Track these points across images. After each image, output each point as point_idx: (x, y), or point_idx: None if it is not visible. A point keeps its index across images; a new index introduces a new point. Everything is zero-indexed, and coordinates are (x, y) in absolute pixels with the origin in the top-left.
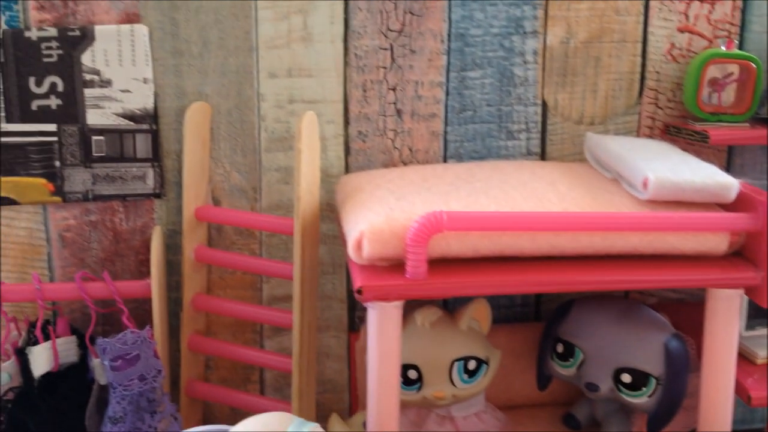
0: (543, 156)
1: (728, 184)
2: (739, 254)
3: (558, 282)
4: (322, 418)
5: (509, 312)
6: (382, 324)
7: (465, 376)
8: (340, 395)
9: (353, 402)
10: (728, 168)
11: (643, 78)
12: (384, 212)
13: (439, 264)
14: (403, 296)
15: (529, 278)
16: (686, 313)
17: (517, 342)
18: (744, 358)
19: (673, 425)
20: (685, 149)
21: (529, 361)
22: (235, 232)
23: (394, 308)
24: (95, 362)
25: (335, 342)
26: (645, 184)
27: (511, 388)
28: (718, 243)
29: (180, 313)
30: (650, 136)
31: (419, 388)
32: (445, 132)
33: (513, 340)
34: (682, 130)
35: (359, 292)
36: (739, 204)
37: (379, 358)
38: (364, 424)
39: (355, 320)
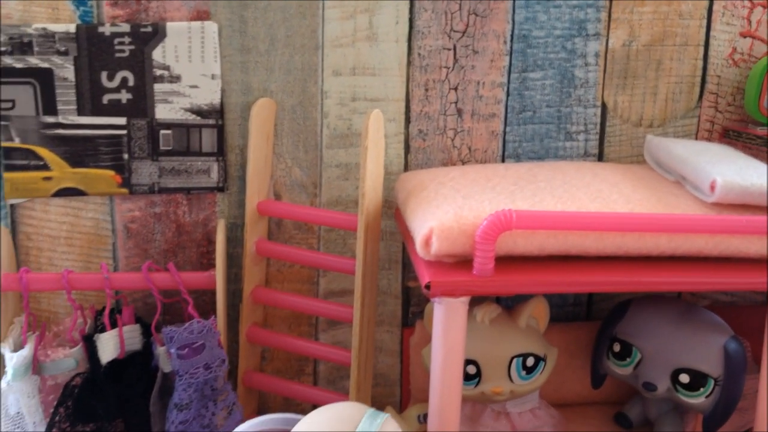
0: (600, 158)
1: None
2: None
3: (622, 282)
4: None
5: (561, 311)
6: (448, 319)
7: (523, 373)
8: (392, 389)
9: (404, 396)
10: None
11: (703, 82)
12: (453, 210)
13: (505, 261)
14: (470, 292)
15: (594, 278)
16: (738, 316)
17: (569, 341)
18: None
19: (727, 426)
20: (744, 154)
21: (581, 359)
22: (294, 227)
23: (461, 304)
24: (160, 350)
25: (389, 337)
26: (712, 187)
27: (563, 387)
28: None
29: (239, 305)
30: (709, 140)
31: (477, 384)
32: (504, 132)
33: (565, 338)
34: (741, 134)
35: (427, 287)
36: None
37: (443, 353)
38: (419, 418)
39: (409, 316)
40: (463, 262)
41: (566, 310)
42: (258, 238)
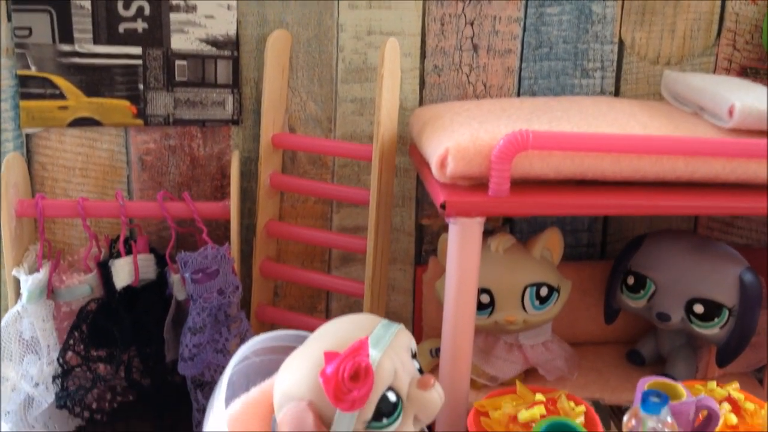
0: (617, 95)
1: None
2: None
3: (638, 205)
4: None
5: (575, 252)
6: (463, 240)
7: (537, 303)
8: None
9: (417, 334)
10: None
11: (722, 19)
12: (469, 132)
13: (521, 185)
14: (486, 213)
15: (609, 200)
16: (753, 259)
17: (583, 278)
18: None
19: (740, 362)
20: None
21: (595, 297)
22: (309, 161)
23: (476, 224)
24: (174, 278)
25: (401, 275)
26: (731, 112)
27: (576, 325)
28: None
29: (252, 240)
30: None
31: (491, 313)
32: (520, 68)
33: (579, 276)
34: (759, 72)
35: (443, 206)
36: None
37: (458, 276)
38: (431, 352)
39: (422, 254)
40: (478, 185)
41: (580, 251)
42: (272, 172)
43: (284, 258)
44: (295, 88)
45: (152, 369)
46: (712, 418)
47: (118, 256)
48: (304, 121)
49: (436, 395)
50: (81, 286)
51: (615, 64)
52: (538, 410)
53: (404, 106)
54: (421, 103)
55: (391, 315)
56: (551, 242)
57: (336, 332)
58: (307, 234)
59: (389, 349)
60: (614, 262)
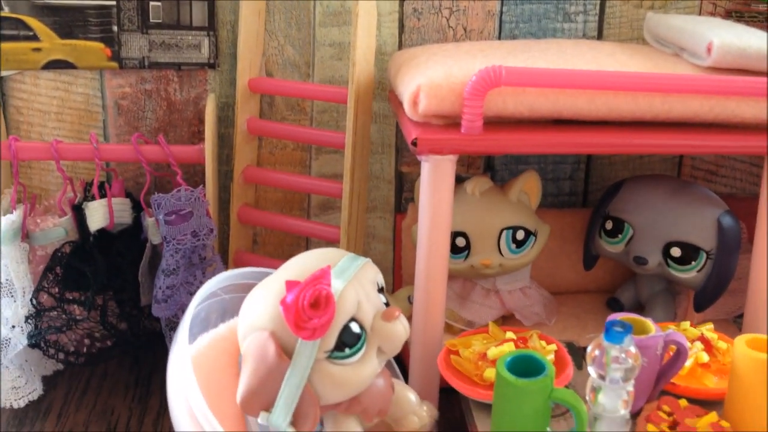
0: (600, 39)
1: None
2: None
3: (614, 143)
4: None
5: (557, 200)
6: (435, 178)
7: (513, 246)
8: (385, 276)
9: (397, 282)
10: None
11: None
12: (442, 70)
13: (496, 124)
14: (457, 150)
15: (584, 138)
16: (736, 208)
17: (563, 226)
18: None
19: (720, 309)
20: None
21: (576, 245)
22: (287, 107)
23: (448, 162)
24: (149, 221)
25: (381, 223)
26: (709, 49)
27: (557, 273)
28: None
29: (230, 187)
30: None
31: (467, 256)
32: (501, 12)
33: (560, 224)
34: (744, 14)
35: (414, 143)
36: None
37: (430, 213)
38: (409, 299)
39: (402, 201)
40: (452, 124)
41: (562, 199)
42: (249, 117)
43: (263, 205)
44: (273, 31)
45: (128, 313)
46: (680, 353)
47: (93, 199)
48: (282, 65)
49: (400, 327)
50: (55, 229)
51: (598, 7)
52: (508, 347)
53: (383, 50)
54: (400, 47)
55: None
56: (528, 185)
57: (300, 264)
58: (284, 179)
59: (353, 281)
60: (594, 209)
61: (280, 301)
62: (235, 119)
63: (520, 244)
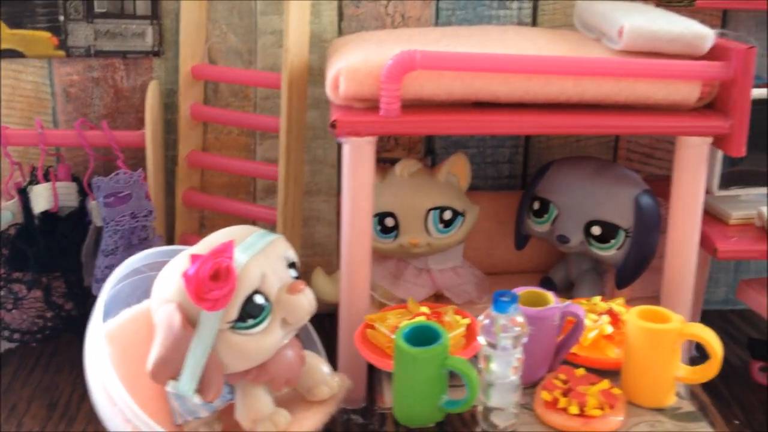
0: (535, 26)
1: (704, 33)
2: (710, 107)
3: (527, 123)
4: (308, 276)
5: (496, 183)
6: (355, 159)
7: (440, 226)
8: (329, 258)
9: (339, 264)
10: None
11: None
12: (363, 54)
13: (415, 106)
14: (375, 132)
15: (499, 118)
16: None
17: (499, 207)
18: (717, 218)
19: (647, 286)
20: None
21: (511, 226)
22: (231, 93)
23: (367, 143)
24: (92, 204)
25: (325, 206)
26: (620, 33)
27: (493, 254)
28: (689, 92)
29: (176, 171)
30: None
31: (396, 236)
32: None
33: (496, 206)
34: (672, 1)
35: (333, 125)
36: (713, 56)
37: (351, 194)
38: None
39: None
40: (372, 107)
41: (501, 182)
42: (193, 103)
43: (209, 189)
44: (216, 20)
45: (75, 293)
46: (578, 324)
47: (38, 183)
48: (225, 53)
49: (304, 299)
50: (3, 213)
51: None
52: (420, 320)
53: (323, 38)
54: (340, 34)
55: (317, 246)
56: (457, 167)
57: (210, 240)
58: (226, 163)
59: (260, 255)
60: (524, 190)
61: (182, 273)
62: (178, 106)
63: (447, 224)
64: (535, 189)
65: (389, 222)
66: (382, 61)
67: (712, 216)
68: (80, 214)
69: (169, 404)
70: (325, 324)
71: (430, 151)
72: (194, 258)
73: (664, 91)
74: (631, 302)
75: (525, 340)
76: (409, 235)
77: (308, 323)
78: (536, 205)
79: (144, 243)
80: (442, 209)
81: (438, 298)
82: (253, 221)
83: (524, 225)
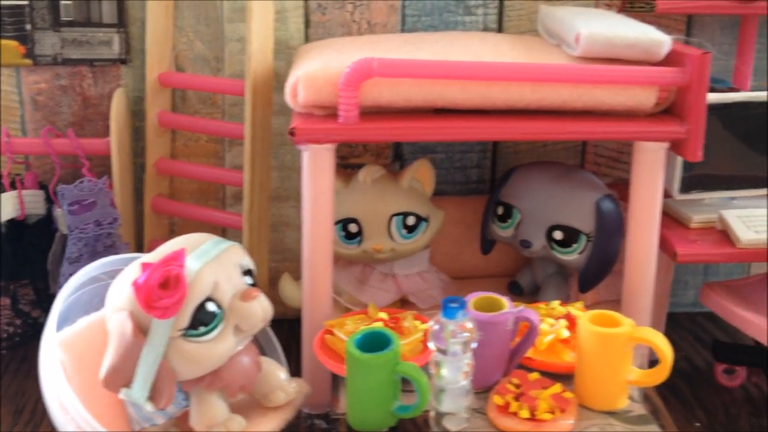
0: (500, 31)
1: (660, 40)
2: (668, 112)
3: (484, 130)
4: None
5: (465, 188)
6: (314, 167)
7: (404, 231)
8: (298, 264)
9: None
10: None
11: None
12: (322, 61)
13: (374, 113)
14: (335, 139)
15: (456, 124)
16: None
17: (466, 212)
18: (679, 222)
19: (610, 291)
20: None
21: (478, 231)
22: (199, 100)
23: (326, 151)
24: (58, 212)
25: (294, 212)
26: (577, 39)
27: (461, 258)
28: (646, 97)
29: (144, 177)
30: None
31: (360, 242)
32: (403, 6)
33: (463, 211)
34: (635, 4)
35: (292, 133)
36: (670, 62)
37: (311, 201)
38: None
39: None
40: (332, 115)
41: (470, 187)
42: (160, 110)
43: (179, 196)
44: (182, 27)
45: (43, 301)
46: (532, 329)
47: (3, 191)
48: (193, 60)
49: (257, 306)
50: None
51: (497, 1)
52: (377, 326)
53: (290, 45)
54: (307, 41)
55: (286, 252)
56: (420, 173)
57: (164, 248)
58: (193, 170)
59: (213, 262)
60: (489, 196)
61: (132, 282)
62: (146, 113)
63: (411, 229)
64: (498, 194)
65: (353, 228)
66: (340, 68)
67: (673, 219)
68: (47, 222)
69: (126, 411)
70: (294, 329)
71: (398, 157)
72: (144, 266)
73: (622, 97)
74: (596, 306)
75: (474, 345)
76: (373, 241)
77: (269, 329)
78: (500, 210)
79: (109, 250)
80: (406, 215)
81: (404, 303)
82: (223, 228)
83: (489, 230)
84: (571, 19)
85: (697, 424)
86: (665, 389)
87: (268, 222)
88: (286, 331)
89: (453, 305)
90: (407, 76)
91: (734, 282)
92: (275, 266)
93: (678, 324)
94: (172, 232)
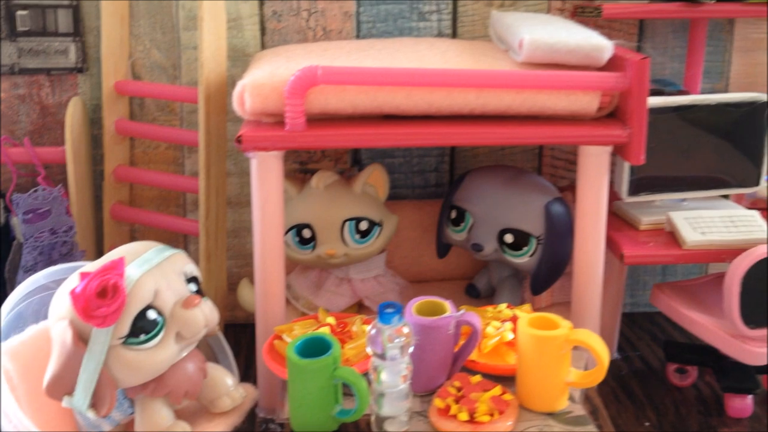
0: (455, 37)
1: (601, 45)
2: (613, 116)
3: (430, 134)
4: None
5: (423, 192)
6: (262, 173)
7: (357, 236)
8: None
9: None
10: (639, 50)
11: None
12: (269, 69)
13: (322, 120)
14: (282, 146)
15: (402, 130)
16: None
17: (423, 216)
18: (629, 224)
19: (565, 293)
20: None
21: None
22: (157, 108)
23: (274, 158)
24: (14, 221)
25: None
26: (520, 45)
27: (420, 261)
28: (589, 102)
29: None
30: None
31: (314, 247)
32: (358, 12)
33: (422, 214)
34: (585, 10)
35: (239, 140)
36: (612, 67)
37: (260, 207)
38: None
39: None
40: (280, 122)
41: (429, 191)
42: (117, 118)
43: (140, 202)
44: (139, 35)
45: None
46: (474, 333)
47: None
48: (150, 68)
49: (198, 313)
50: None
51: (451, 6)
52: (324, 331)
53: (247, 52)
54: (263, 48)
55: (248, 257)
56: (373, 178)
57: (105, 257)
58: (151, 177)
59: (154, 270)
60: (443, 200)
61: (70, 291)
62: (103, 121)
63: (364, 234)
64: (452, 198)
65: (306, 233)
66: (286, 76)
67: (624, 221)
68: (5, 231)
69: (75, 419)
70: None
71: (357, 161)
72: (83, 276)
73: (564, 102)
74: (551, 308)
75: (411, 349)
76: (326, 246)
77: (220, 334)
78: (453, 214)
79: (66, 258)
80: (358, 220)
81: (361, 307)
82: (184, 234)
83: (444, 234)
84: (517, 25)
85: (647, 424)
86: (619, 389)
87: (226, 228)
88: (249, 335)
89: (389, 311)
90: (351, 83)
91: (684, 283)
92: (237, 271)
93: (636, 324)
94: (133, 239)
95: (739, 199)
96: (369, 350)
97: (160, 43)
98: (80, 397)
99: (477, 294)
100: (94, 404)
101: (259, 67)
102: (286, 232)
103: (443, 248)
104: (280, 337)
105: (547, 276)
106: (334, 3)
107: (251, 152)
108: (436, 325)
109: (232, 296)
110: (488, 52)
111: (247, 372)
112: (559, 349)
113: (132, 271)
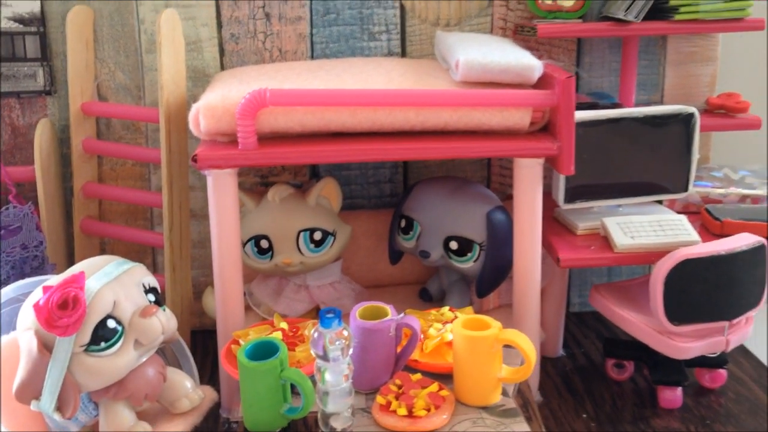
0: (404, 56)
1: (531, 65)
2: (546, 130)
3: (373, 150)
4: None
5: (379, 202)
6: (218, 190)
7: (311, 246)
8: None
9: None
10: (577, 65)
11: None
12: (222, 92)
13: (273, 139)
14: (235, 164)
15: (348, 147)
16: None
17: (378, 225)
18: (567, 229)
19: (510, 295)
20: (533, 48)
21: None
22: (123, 127)
23: (228, 175)
24: None
25: None
26: (457, 65)
27: (376, 268)
28: (521, 117)
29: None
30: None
31: (271, 257)
32: (311, 34)
33: (377, 223)
34: (524, 29)
35: (194, 159)
36: (544, 85)
37: (217, 222)
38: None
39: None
40: (234, 141)
41: (384, 201)
42: (84, 137)
43: (109, 217)
44: (104, 59)
45: None
46: (413, 335)
47: None
48: (115, 90)
49: (156, 321)
50: None
51: (399, 26)
52: (276, 335)
53: (207, 73)
54: (223, 69)
55: (212, 266)
56: (326, 190)
57: (68, 271)
58: (118, 193)
59: (113, 283)
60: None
61: (33, 304)
62: (71, 141)
63: (318, 243)
64: (401, 208)
65: (264, 244)
66: (237, 99)
67: (563, 227)
68: None
69: (45, 422)
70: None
71: (315, 174)
72: (45, 289)
73: (498, 118)
74: (498, 310)
75: (351, 350)
76: (283, 255)
77: (182, 340)
78: (403, 223)
79: (37, 272)
80: (312, 230)
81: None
82: (151, 246)
83: (395, 242)
84: (456, 45)
85: (584, 416)
86: (561, 384)
87: (189, 239)
88: (215, 341)
89: (329, 316)
90: (297, 104)
91: (620, 283)
92: (203, 280)
93: (583, 322)
94: (103, 252)
95: (671, 204)
96: (312, 352)
97: (124, 65)
98: (47, 401)
99: (429, 297)
100: (60, 407)
101: (213, 90)
102: (245, 243)
103: (395, 255)
104: (238, 342)
105: (490, 280)
106: (289, 26)
107: (207, 170)
108: (377, 328)
109: (198, 304)
110: (431, 71)
111: (213, 376)
112: (490, 347)
113: (92, 284)
